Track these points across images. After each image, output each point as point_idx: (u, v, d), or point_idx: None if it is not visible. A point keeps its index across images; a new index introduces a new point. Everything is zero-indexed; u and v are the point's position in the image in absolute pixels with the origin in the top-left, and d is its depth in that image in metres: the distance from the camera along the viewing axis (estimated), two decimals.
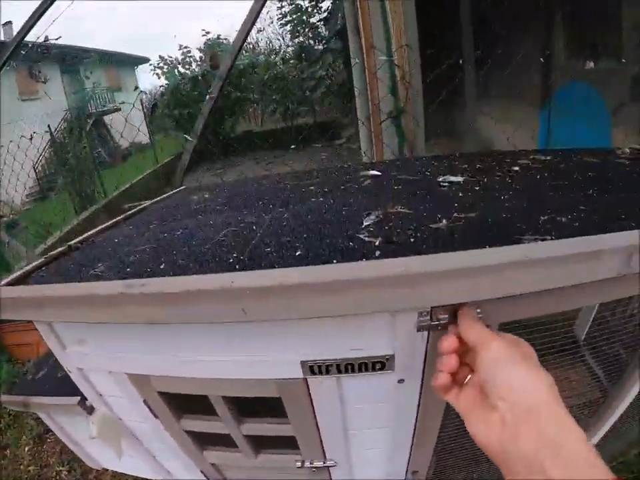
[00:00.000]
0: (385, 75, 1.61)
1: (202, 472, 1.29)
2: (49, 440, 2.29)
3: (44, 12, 1.96)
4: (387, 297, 0.63)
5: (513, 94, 2.77)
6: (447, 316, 0.71)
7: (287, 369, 0.84)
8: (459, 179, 1.20)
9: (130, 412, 1.12)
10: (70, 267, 1.00)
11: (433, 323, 0.73)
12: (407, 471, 1.24)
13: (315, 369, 0.83)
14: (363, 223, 0.89)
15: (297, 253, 0.77)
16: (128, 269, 0.87)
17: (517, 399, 0.48)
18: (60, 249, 1.16)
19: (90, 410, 1.18)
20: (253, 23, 1.46)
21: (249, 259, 0.77)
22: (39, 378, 1.44)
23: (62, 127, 8.50)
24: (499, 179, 1.22)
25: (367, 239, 0.81)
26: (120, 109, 10.54)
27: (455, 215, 0.91)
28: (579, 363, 2.13)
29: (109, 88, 11.36)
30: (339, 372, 0.83)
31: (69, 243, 1.18)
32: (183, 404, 1.06)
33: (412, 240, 0.79)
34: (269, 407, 0.99)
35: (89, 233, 1.30)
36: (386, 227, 0.86)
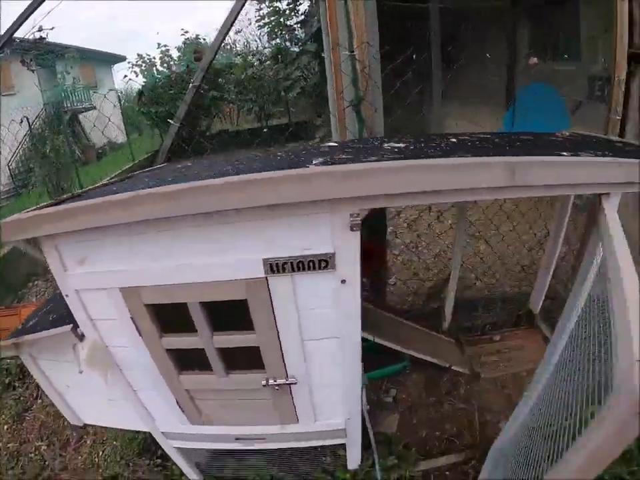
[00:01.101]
0: (347, 68, 2.03)
1: (177, 403, 1.55)
2: (27, 418, 2.48)
3: (34, 10, 2.30)
4: (329, 188, 0.99)
5: (479, 96, 3.24)
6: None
7: (251, 268, 1.16)
8: (400, 144, 1.58)
9: (118, 334, 1.40)
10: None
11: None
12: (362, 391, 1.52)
13: (274, 267, 1.15)
14: (313, 161, 1.25)
15: None
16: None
17: None
18: (66, 195, 1.47)
19: (81, 337, 1.44)
20: (233, 22, 1.86)
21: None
22: (29, 325, 1.70)
23: (40, 118, 8.69)
24: (435, 145, 1.59)
25: (313, 165, 1.16)
26: (95, 107, 10.83)
27: (385, 156, 1.27)
28: (536, 333, 2.47)
29: (84, 86, 11.61)
30: (293, 270, 1.15)
31: (73, 192, 1.50)
32: (165, 320, 1.34)
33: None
34: (237, 318, 1.28)
35: (89, 187, 1.62)
36: (329, 162, 1.21)
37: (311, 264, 1.15)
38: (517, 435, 1.87)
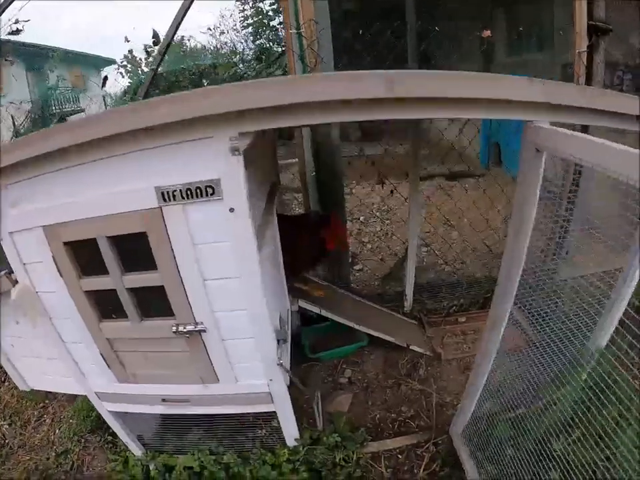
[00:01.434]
0: (296, 46, 2.17)
1: (102, 356, 1.60)
2: None
3: (6, 7, 2.60)
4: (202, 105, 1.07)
5: None
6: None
7: (146, 198, 1.24)
8: None
9: (44, 278, 1.49)
10: None
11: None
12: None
13: (165, 195, 1.22)
14: None
15: None
16: None
17: None
18: None
19: (14, 283, 1.55)
20: (184, 15, 2.07)
21: None
22: None
23: (29, 118, 9.12)
24: None
25: None
26: (83, 110, 11.23)
27: None
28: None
29: (73, 88, 12.05)
30: (182, 197, 1.22)
31: None
32: (84, 261, 1.42)
33: None
34: (145, 256, 1.35)
35: None
36: None
37: (198, 191, 1.21)
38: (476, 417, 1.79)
